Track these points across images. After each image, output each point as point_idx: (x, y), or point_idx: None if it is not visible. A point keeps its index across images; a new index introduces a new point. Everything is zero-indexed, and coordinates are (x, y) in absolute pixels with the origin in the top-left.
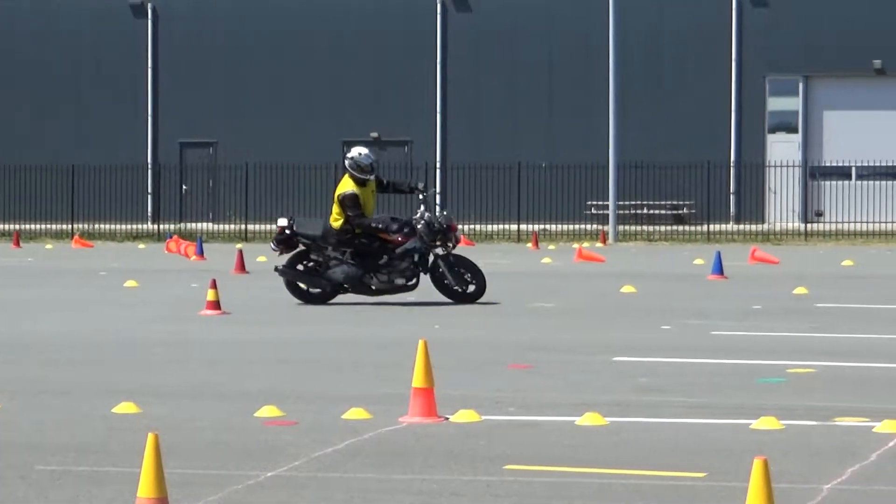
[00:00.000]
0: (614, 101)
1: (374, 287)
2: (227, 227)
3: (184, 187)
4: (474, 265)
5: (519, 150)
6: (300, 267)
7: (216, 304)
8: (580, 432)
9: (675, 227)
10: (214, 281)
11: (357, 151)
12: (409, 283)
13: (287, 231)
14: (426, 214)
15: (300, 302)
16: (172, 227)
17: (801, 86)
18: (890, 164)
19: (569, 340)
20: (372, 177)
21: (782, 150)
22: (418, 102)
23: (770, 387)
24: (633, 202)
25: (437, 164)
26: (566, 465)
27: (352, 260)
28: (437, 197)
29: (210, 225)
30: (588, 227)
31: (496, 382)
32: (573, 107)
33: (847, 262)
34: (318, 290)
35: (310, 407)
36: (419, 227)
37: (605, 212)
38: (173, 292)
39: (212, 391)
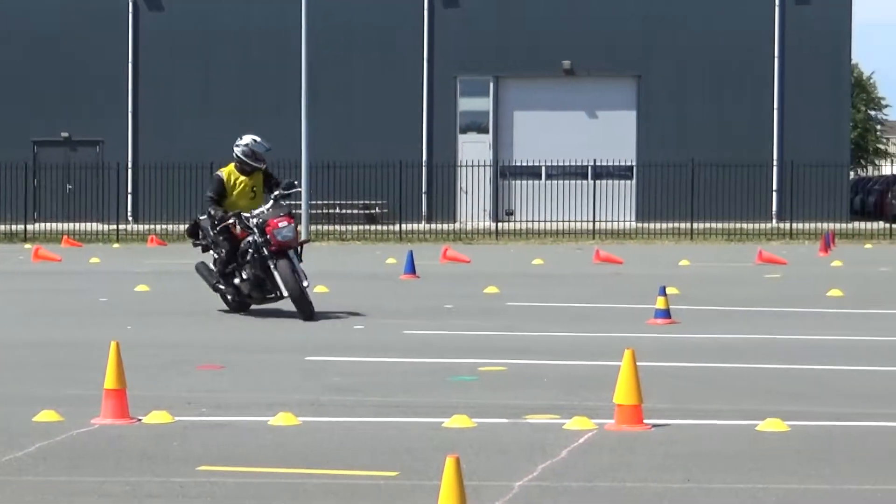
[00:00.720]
0: (306, 100)
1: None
2: None
3: None
4: (281, 279)
5: (212, 149)
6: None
7: None
8: (273, 432)
9: (367, 227)
10: None
11: (251, 138)
12: (270, 291)
13: (195, 223)
14: (265, 210)
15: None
16: None
17: (491, 86)
18: (578, 163)
19: (261, 340)
20: (263, 167)
21: (473, 149)
22: (110, 102)
23: (462, 385)
24: (326, 202)
25: (129, 165)
26: (259, 466)
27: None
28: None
29: None
30: None
31: (189, 383)
32: (267, 106)
33: (537, 261)
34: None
35: None
36: (252, 222)
37: (298, 211)
38: None
39: None
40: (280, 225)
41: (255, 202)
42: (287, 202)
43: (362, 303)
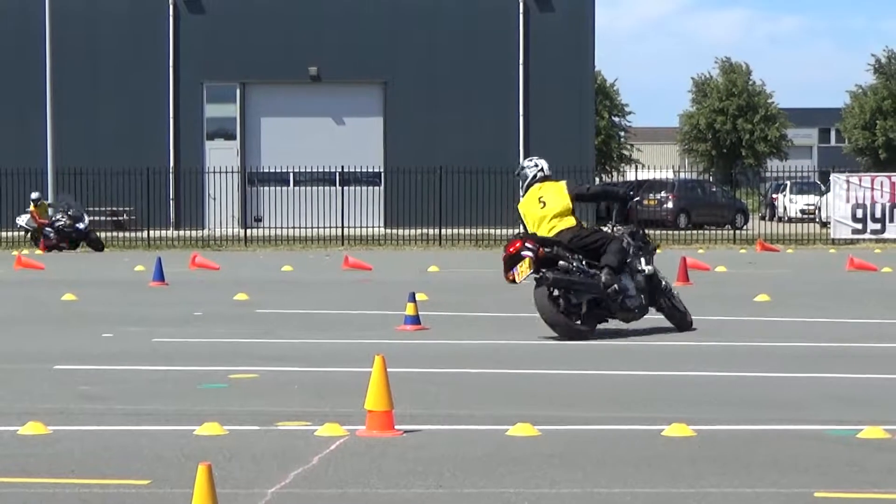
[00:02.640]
0: (51, 105)
1: None
2: None
3: None
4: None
5: None
6: None
7: None
8: (22, 442)
9: (115, 234)
10: None
11: None
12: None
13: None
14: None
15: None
16: None
17: (238, 92)
18: (325, 170)
19: (8, 349)
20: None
21: (221, 156)
22: None
23: (213, 392)
24: None
25: None
26: (8, 476)
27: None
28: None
29: None
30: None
31: None
32: (8, 111)
33: (286, 268)
34: None
35: None
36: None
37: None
38: None
39: None
40: None
41: None
42: None
43: (111, 310)
